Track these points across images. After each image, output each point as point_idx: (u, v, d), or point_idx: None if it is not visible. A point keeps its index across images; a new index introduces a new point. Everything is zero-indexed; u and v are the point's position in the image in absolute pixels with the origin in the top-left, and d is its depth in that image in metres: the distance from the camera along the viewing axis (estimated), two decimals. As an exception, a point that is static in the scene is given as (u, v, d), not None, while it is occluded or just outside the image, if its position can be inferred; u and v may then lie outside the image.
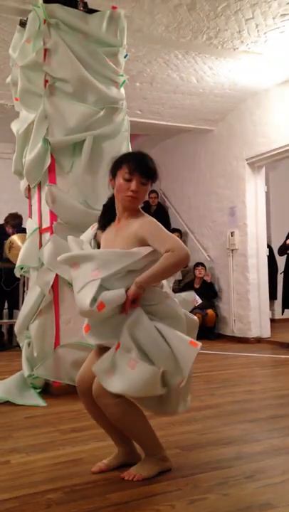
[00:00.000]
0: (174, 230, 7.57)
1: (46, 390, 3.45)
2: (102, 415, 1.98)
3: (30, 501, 1.76)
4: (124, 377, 1.78)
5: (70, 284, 3.46)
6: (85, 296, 1.84)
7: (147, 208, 8.30)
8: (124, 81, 3.84)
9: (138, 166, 1.98)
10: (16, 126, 3.86)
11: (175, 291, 2.09)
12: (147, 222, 1.97)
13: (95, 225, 2.21)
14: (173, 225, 8.01)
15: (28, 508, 1.72)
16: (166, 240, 1.89)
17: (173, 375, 1.84)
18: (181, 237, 7.48)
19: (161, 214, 8.27)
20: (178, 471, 2.00)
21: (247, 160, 6.32)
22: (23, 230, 5.81)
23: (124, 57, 3.88)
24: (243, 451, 2.22)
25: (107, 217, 2.11)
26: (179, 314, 1.95)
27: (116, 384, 1.78)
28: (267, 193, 6.67)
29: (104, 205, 2.16)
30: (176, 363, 1.83)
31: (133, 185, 1.97)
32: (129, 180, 1.97)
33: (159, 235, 1.92)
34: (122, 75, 3.80)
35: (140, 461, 2.01)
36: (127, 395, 1.83)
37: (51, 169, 3.54)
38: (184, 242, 7.71)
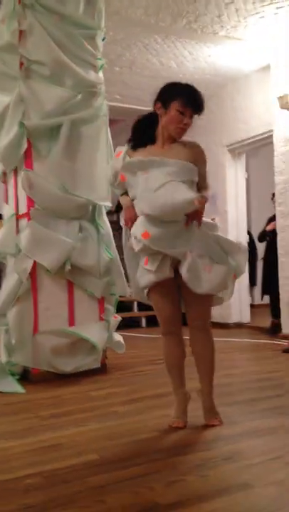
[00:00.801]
0: None
1: (25, 377, 3.43)
2: (181, 357, 2.33)
3: (8, 486, 1.75)
4: (205, 279, 2.12)
5: (48, 271, 3.43)
6: (174, 193, 2.07)
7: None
8: (103, 65, 3.79)
9: (193, 100, 2.18)
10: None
11: None
12: (197, 147, 2.29)
13: (121, 152, 2.34)
14: (153, 212, 7.99)
15: (7, 493, 1.70)
16: (206, 174, 2.29)
17: (230, 271, 2.20)
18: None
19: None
20: (157, 453, 2.01)
21: (227, 147, 6.32)
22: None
23: (102, 40, 3.82)
24: (221, 433, 2.24)
25: (143, 139, 2.26)
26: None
27: (203, 285, 2.12)
28: (247, 180, 6.69)
29: (137, 127, 2.31)
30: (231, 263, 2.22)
31: (186, 119, 2.19)
32: (182, 113, 2.17)
33: (204, 165, 2.28)
34: (100, 59, 3.74)
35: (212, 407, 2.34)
36: (213, 292, 2.20)
37: (28, 154, 3.48)
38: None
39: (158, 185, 2.10)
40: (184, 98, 2.17)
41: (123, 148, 2.34)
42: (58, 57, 3.44)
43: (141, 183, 2.17)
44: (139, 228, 2.16)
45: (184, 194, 2.07)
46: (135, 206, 2.22)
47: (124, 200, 2.33)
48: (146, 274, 2.22)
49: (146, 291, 2.29)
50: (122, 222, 2.35)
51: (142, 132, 2.28)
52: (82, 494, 1.67)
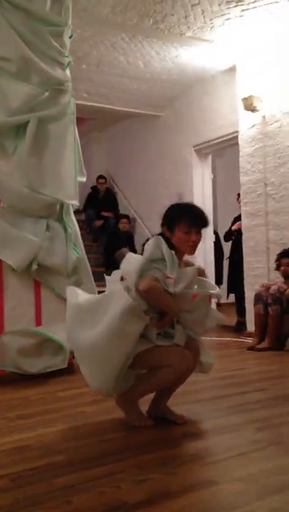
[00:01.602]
0: (122, 216, 7.57)
1: (-9, 378, 3.38)
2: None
3: (-27, 490, 1.73)
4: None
5: (14, 270, 3.39)
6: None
7: (96, 193, 8.23)
8: (70, 62, 3.76)
9: (195, 221, 2.30)
10: None
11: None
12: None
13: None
14: (122, 211, 8.00)
15: (-28, 496, 1.68)
16: None
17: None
18: (129, 223, 7.49)
19: (110, 199, 8.24)
20: (123, 452, 2.02)
21: (194, 147, 6.38)
22: None
23: (70, 37, 3.79)
24: (187, 431, 2.27)
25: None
26: None
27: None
28: (213, 180, 6.77)
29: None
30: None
31: (193, 236, 2.30)
32: (188, 233, 2.28)
33: None
34: (67, 56, 3.72)
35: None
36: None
37: (-6, 151, 3.43)
38: (133, 227, 7.71)
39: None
40: (186, 221, 2.28)
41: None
42: (24, 53, 3.39)
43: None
44: None
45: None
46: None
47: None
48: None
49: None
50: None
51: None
52: (49, 495, 1.66)
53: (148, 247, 2.28)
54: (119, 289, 2.19)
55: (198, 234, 2.33)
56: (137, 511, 1.53)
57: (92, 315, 2.22)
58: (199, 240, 2.35)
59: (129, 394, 2.34)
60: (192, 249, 2.34)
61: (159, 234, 2.35)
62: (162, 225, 2.37)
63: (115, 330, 2.12)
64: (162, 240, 2.28)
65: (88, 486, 1.72)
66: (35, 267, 3.40)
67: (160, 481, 1.74)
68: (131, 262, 2.24)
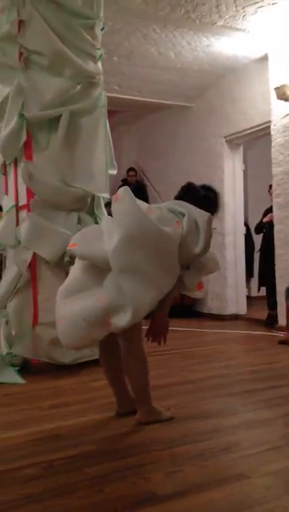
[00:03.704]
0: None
1: (25, 368, 3.45)
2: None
3: (8, 476, 1.78)
4: None
5: (47, 263, 3.44)
6: None
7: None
8: (102, 55, 3.77)
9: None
10: (-10, 101, 3.76)
11: None
12: None
13: None
14: (151, 203, 7.97)
15: (6, 482, 1.73)
16: None
17: None
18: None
19: (140, 192, 8.24)
20: (155, 444, 2.04)
21: (225, 138, 6.30)
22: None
23: (101, 30, 3.79)
24: (219, 424, 2.27)
25: None
26: None
27: None
28: (245, 172, 6.68)
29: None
30: None
31: None
32: None
33: None
34: (99, 49, 3.72)
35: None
36: None
37: (27, 145, 3.48)
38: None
39: None
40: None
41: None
42: (57, 47, 3.42)
43: None
44: None
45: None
46: None
47: None
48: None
49: None
50: None
51: None
52: (81, 484, 1.70)
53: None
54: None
55: None
56: (167, 503, 1.55)
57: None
58: None
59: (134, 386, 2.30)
60: None
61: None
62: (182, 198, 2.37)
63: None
64: None
65: (119, 476, 1.74)
66: (67, 259, 3.44)
67: (190, 474, 1.75)
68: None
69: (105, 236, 2.11)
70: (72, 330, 2.09)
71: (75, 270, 2.21)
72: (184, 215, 2.24)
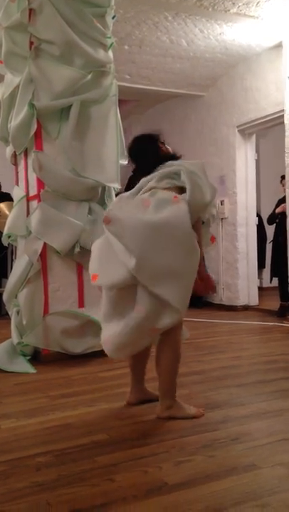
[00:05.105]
0: None
1: (36, 358, 3.48)
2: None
3: (20, 464, 1.79)
4: None
5: (58, 253, 3.44)
6: None
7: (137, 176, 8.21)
8: (112, 43, 3.73)
9: None
10: (1, 91, 3.75)
11: None
12: None
13: None
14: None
15: (18, 471, 1.74)
16: None
17: None
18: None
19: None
20: (166, 434, 2.04)
21: (237, 127, 6.24)
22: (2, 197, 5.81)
23: (112, 18, 3.75)
24: (229, 414, 2.26)
25: None
26: None
27: None
28: (257, 162, 6.61)
29: None
30: None
31: None
32: None
33: None
34: (109, 37, 3.69)
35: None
36: None
37: (38, 135, 3.47)
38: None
39: None
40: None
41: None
42: (67, 36, 3.39)
43: None
44: None
45: None
46: None
47: None
48: None
49: None
50: None
51: None
52: (92, 472, 1.70)
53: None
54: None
55: None
56: (178, 491, 1.55)
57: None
58: None
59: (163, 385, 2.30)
60: None
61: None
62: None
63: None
64: None
65: (130, 465, 1.75)
66: (77, 249, 3.44)
67: (201, 463, 1.75)
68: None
69: (120, 256, 2.12)
70: (121, 343, 2.16)
71: (107, 293, 2.23)
72: (179, 175, 2.28)
